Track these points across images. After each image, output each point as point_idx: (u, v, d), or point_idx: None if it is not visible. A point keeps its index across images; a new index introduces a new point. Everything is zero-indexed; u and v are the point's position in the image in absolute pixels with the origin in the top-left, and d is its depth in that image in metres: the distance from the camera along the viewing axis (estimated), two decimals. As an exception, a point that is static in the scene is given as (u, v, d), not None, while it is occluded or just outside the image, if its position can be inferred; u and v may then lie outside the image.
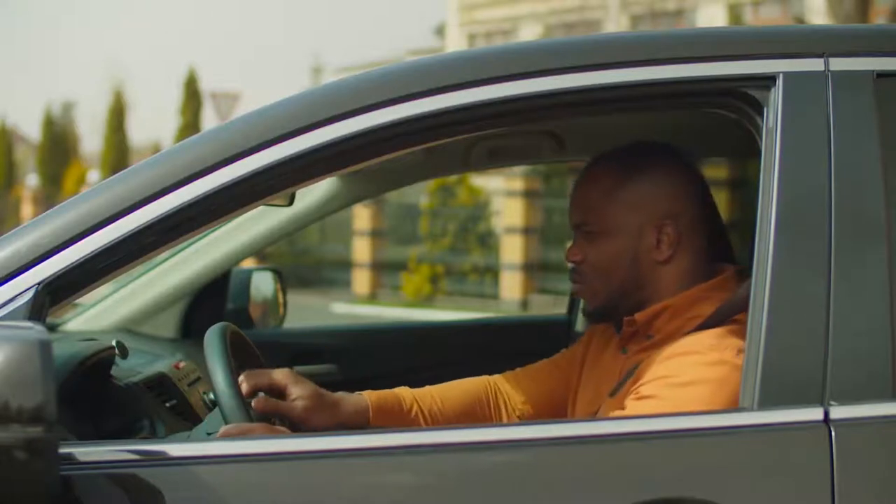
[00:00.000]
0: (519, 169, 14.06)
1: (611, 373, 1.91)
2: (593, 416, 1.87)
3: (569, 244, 1.95)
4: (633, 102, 1.70)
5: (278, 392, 1.81)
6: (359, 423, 1.86)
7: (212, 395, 2.18)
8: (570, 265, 1.94)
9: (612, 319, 1.94)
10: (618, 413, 1.74)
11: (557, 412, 2.05)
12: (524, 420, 2.04)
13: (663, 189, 1.87)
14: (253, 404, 1.76)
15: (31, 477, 1.33)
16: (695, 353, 1.73)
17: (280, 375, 1.82)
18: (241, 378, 1.79)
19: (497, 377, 2.13)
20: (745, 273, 1.91)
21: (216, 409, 1.82)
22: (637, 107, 1.76)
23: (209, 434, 1.78)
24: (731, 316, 1.78)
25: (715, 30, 1.83)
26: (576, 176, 1.98)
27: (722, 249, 1.97)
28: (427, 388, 2.03)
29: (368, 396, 1.91)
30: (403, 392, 1.98)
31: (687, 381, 1.69)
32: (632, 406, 1.72)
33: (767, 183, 1.58)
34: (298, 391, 1.81)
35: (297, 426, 1.80)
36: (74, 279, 1.54)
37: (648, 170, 1.88)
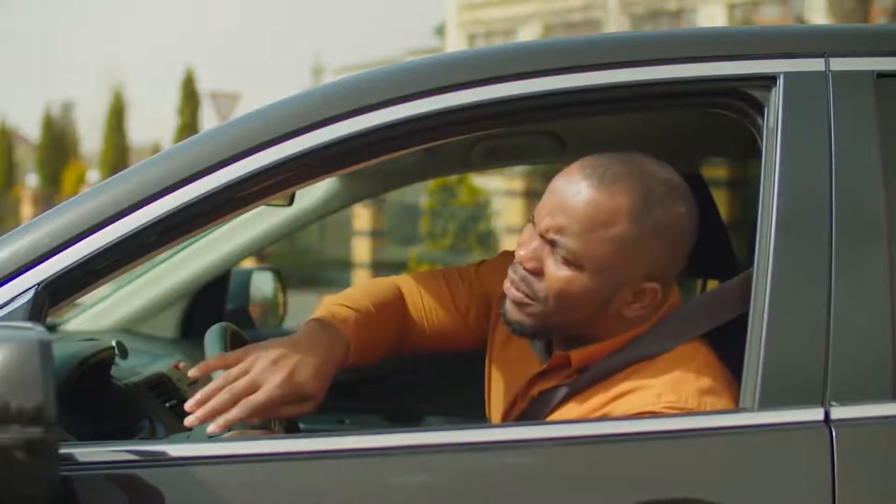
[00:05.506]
0: (519, 169, 14.04)
1: (523, 370, 1.75)
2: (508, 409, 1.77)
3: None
4: (634, 102, 1.69)
5: None
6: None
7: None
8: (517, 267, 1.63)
9: (531, 339, 1.74)
10: None
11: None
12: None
13: (667, 246, 1.61)
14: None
15: (31, 477, 1.33)
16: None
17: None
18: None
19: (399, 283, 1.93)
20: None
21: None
22: (637, 107, 1.76)
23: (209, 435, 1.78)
24: (673, 344, 1.62)
25: (715, 30, 1.83)
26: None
27: (720, 255, 1.94)
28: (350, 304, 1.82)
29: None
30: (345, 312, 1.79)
31: None
32: None
33: (768, 183, 1.58)
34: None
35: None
36: (74, 279, 1.53)
37: (663, 215, 1.59)
